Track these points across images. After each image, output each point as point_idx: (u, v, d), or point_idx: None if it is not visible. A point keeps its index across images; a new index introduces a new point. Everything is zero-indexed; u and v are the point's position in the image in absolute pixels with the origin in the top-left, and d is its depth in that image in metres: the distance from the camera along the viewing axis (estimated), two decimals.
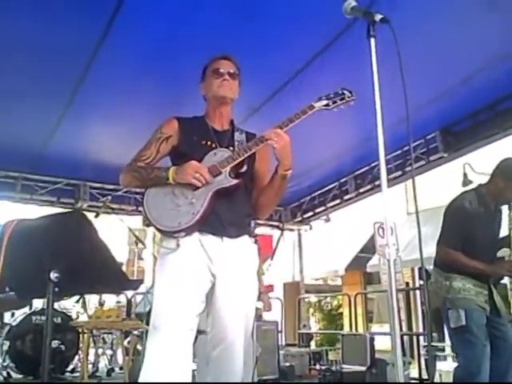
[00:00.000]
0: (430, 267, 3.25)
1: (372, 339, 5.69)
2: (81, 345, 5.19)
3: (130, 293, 6.60)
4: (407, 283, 10.44)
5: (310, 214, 7.84)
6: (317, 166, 6.10)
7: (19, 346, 5.14)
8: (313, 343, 9.47)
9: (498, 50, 3.74)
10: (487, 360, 2.84)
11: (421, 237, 1.85)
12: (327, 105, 2.17)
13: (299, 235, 8.52)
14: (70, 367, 5.62)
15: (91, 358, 5.87)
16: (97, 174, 6.13)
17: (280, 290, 8.85)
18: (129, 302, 6.62)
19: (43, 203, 6.38)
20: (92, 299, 6.44)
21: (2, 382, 4.96)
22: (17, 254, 1.85)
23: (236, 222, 2.18)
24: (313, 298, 13.11)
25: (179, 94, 3.95)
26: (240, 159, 2.15)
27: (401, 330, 8.20)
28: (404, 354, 6.72)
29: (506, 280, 3.14)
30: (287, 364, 6.08)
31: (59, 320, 5.34)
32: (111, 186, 6.31)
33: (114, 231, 8.16)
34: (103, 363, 6.23)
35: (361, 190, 6.65)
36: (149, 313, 2.14)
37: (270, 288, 7.71)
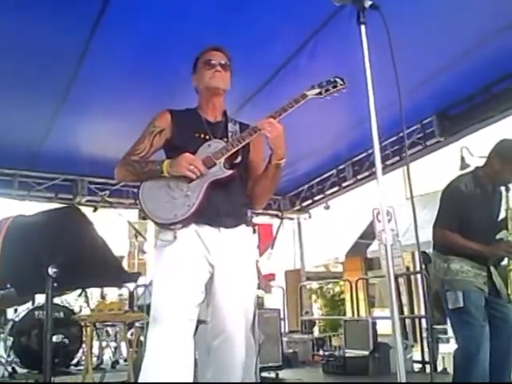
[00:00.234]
0: (431, 251, 3.26)
1: (374, 324, 5.73)
2: (84, 338, 5.23)
3: (132, 285, 6.64)
4: (407, 267, 10.47)
5: (309, 202, 7.86)
6: (313, 153, 6.09)
7: (23, 341, 5.18)
8: (316, 329, 9.53)
9: (490, 30, 3.70)
10: (486, 341, 2.85)
11: (416, 222, 1.86)
12: (320, 93, 2.16)
13: (299, 223, 8.54)
14: (75, 360, 5.69)
15: (95, 350, 5.92)
16: (94, 168, 6.13)
17: (282, 278, 8.90)
18: (131, 294, 6.66)
19: (41, 199, 6.39)
20: (94, 293, 6.46)
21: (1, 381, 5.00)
22: (14, 250, 1.85)
23: (232, 212, 2.19)
24: (314, 285, 13.16)
25: (173, 87, 3.93)
26: (234, 150, 2.15)
27: (402, 313, 8.28)
28: (406, 338, 6.79)
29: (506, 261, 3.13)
30: (290, 351, 6.15)
31: (62, 314, 5.39)
32: (109, 181, 6.31)
33: (113, 225, 8.17)
34: (107, 356, 6.28)
35: (359, 177, 6.67)
36: (150, 305, 2.15)
37: (272, 276, 7.73)
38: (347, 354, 5.55)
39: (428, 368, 5.35)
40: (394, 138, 5.67)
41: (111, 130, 5.04)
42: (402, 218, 5.85)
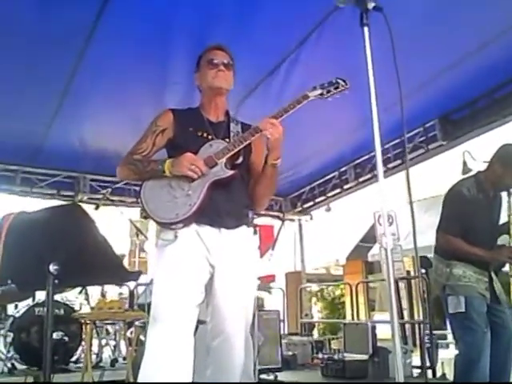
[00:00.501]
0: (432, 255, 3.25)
1: (374, 328, 5.71)
2: (84, 336, 5.24)
3: (132, 284, 6.65)
4: (408, 272, 10.43)
5: (311, 203, 7.84)
6: (315, 155, 6.08)
7: (23, 338, 5.19)
8: (315, 332, 9.52)
9: (494, 35, 3.69)
10: (487, 347, 2.85)
11: (415, 227, 1.86)
12: (321, 94, 2.16)
13: (300, 225, 8.52)
14: (74, 358, 5.69)
15: (95, 348, 5.92)
16: (96, 166, 6.13)
17: (282, 280, 8.89)
18: (131, 293, 6.67)
19: (43, 196, 6.38)
20: (94, 291, 6.47)
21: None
22: (16, 247, 1.86)
23: (233, 213, 2.19)
24: (315, 288, 13.15)
25: (177, 79, 3.93)
26: (236, 150, 2.16)
27: (402, 318, 8.26)
28: (406, 343, 6.77)
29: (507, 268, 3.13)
30: (290, 353, 6.13)
31: (62, 311, 5.40)
32: (111, 178, 6.30)
33: (115, 223, 8.17)
34: (107, 354, 6.28)
35: (361, 179, 6.64)
36: (150, 304, 2.16)
37: (272, 278, 7.73)
38: (346, 358, 5.52)
39: (428, 373, 5.33)
40: (396, 141, 5.66)
41: (114, 126, 5.03)
42: (404, 222, 5.84)
